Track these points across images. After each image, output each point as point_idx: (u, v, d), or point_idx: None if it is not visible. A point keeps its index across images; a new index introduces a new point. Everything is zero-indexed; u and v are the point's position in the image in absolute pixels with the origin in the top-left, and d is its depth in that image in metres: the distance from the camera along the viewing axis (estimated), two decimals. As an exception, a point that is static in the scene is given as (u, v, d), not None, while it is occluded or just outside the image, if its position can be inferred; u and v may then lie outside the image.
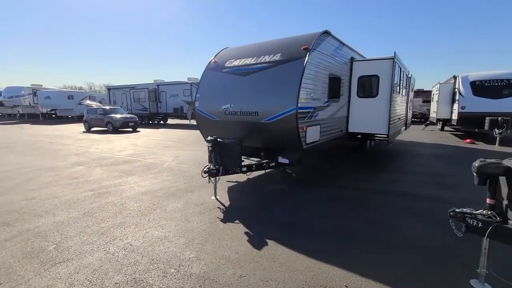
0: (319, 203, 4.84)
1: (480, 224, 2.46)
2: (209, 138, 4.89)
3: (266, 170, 5.71)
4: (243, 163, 5.31)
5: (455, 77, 13.96)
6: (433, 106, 17.73)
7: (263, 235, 3.67)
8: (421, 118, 22.90)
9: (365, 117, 7.24)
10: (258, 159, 6.31)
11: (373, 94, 7.11)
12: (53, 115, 31.11)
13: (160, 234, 3.71)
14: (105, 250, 3.31)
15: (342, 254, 3.21)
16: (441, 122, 16.79)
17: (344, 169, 7.37)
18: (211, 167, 4.95)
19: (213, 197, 5.12)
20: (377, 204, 4.78)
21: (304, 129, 5.01)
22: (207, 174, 4.85)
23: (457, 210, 2.64)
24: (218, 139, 4.96)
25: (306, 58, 4.89)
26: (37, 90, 29.28)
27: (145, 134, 16.03)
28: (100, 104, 23.92)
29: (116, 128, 17.27)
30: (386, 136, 7.19)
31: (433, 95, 18.24)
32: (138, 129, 18.49)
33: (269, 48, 5.66)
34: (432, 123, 19.00)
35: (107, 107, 19.04)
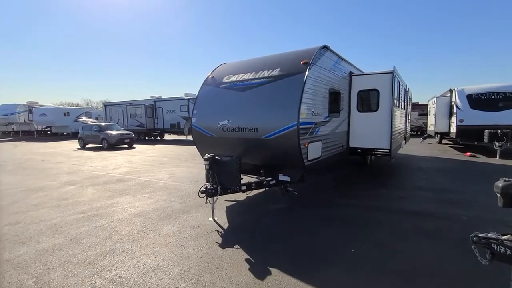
0: (322, 224, 4.56)
1: (508, 252, 2.21)
2: (206, 156, 4.66)
3: (266, 188, 5.44)
4: (242, 181, 5.05)
5: (451, 91, 14.07)
6: (431, 120, 17.78)
7: (265, 263, 3.37)
8: (418, 131, 22.98)
9: (366, 132, 7.08)
10: (258, 177, 6.06)
11: (374, 108, 6.99)
12: (48, 132, 30.79)
13: (152, 263, 3.38)
14: (90, 284, 2.98)
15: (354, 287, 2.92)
16: (439, 135, 16.78)
17: (346, 185, 7.13)
18: (209, 186, 4.69)
19: (210, 219, 4.82)
20: (382, 224, 4.51)
21: (306, 145, 4.81)
22: (204, 194, 4.58)
23: (480, 235, 2.39)
24: (216, 157, 4.73)
25: (306, 73, 4.77)
26: (32, 107, 29.11)
27: (141, 151, 15.73)
28: (95, 121, 23.69)
29: (112, 144, 16.99)
30: (388, 150, 7.01)
31: (430, 108, 18.36)
32: (134, 146, 18.20)
33: (268, 63, 5.57)
34: (430, 136, 19.00)
35: (103, 124, 18.82)
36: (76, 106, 52.70)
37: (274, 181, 5.35)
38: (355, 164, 9.81)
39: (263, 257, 3.51)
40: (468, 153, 12.24)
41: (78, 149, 17.40)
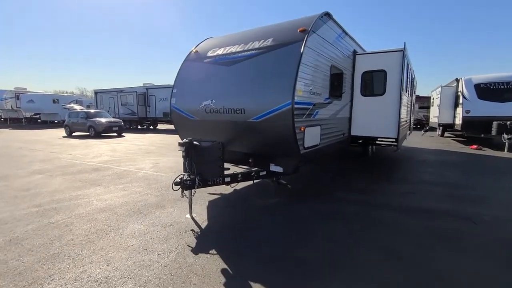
0: (319, 223, 3.83)
1: None
2: (181, 141, 3.88)
3: (255, 181, 4.68)
4: (227, 172, 4.28)
5: (457, 80, 13.27)
6: (434, 111, 17.04)
7: (247, 275, 2.63)
8: (418, 124, 22.29)
9: (371, 119, 6.31)
10: (247, 167, 5.30)
11: (379, 92, 6.20)
12: (39, 120, 29.62)
13: (100, 275, 2.63)
14: (7, 305, 2.23)
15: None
16: (441, 128, 16.07)
17: (345, 177, 6.39)
18: (185, 177, 3.92)
19: (187, 216, 4.07)
20: (388, 225, 3.79)
21: (302, 129, 4.03)
22: (179, 187, 3.81)
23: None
24: (194, 142, 3.95)
25: (304, 42, 3.95)
26: (20, 93, 27.90)
27: (129, 139, 14.88)
28: (82, 108, 22.69)
29: (99, 132, 16.09)
30: (395, 140, 6.26)
31: (433, 99, 17.58)
32: (123, 134, 17.30)
33: (260, 33, 4.72)
34: (432, 129, 18.31)
35: (90, 111, 17.88)
36: (70, 94, 51.30)
37: (264, 172, 4.58)
38: (354, 155, 9.08)
39: (245, 266, 2.78)
40: (474, 146, 11.55)
41: (64, 137, 16.47)
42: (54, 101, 27.25)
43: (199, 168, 3.93)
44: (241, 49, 4.60)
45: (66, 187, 5.58)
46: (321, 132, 4.78)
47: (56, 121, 28.22)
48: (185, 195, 3.90)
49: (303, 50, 3.88)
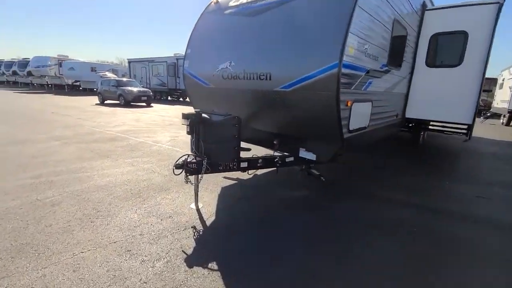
0: (353, 235, 2.81)
1: None
2: (185, 112, 3.00)
3: (279, 167, 3.70)
4: (245, 154, 3.38)
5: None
6: (502, 95, 14.24)
7: (253, 315, 1.78)
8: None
9: (436, 98, 4.87)
10: (271, 151, 4.34)
11: (454, 62, 4.68)
12: (80, 88, 31.03)
13: (56, 287, 1.96)
14: None
15: None
16: (507, 115, 13.41)
17: (391, 171, 5.15)
18: (190, 159, 3.09)
19: (192, 206, 3.30)
20: (453, 243, 2.67)
21: (349, 105, 2.91)
22: (181, 170, 3.00)
23: None
24: (203, 114, 3.05)
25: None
26: (62, 60, 29.14)
27: (156, 110, 14.62)
28: (115, 76, 22.97)
29: (129, 101, 16.07)
30: (467, 127, 4.81)
31: (503, 80, 14.64)
32: (152, 104, 17.16)
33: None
34: (493, 116, 15.56)
35: (120, 79, 17.88)
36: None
37: (291, 159, 3.60)
38: (401, 142, 7.63)
39: (253, 297, 1.93)
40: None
41: (96, 104, 16.77)
42: (92, 69, 28.10)
43: (208, 149, 3.06)
44: (271, -6, 3.43)
45: (74, 157, 5.14)
46: (372, 110, 3.59)
47: (95, 89, 29.31)
48: (190, 181, 3.09)
49: (361, -12, 2.64)
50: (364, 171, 5.07)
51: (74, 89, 31.09)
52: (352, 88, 2.93)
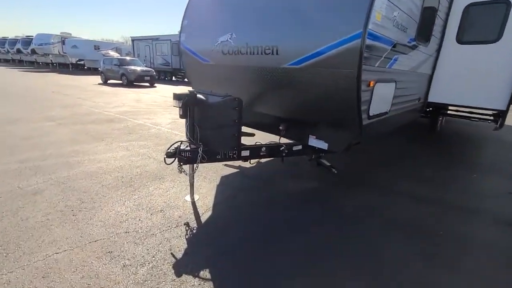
0: (368, 235, 2.44)
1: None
2: (176, 92, 2.58)
3: (285, 156, 3.29)
4: (247, 141, 2.98)
5: None
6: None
7: None
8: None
9: (465, 79, 4.30)
10: (277, 138, 3.91)
11: (491, 37, 4.05)
12: (85, 67, 30.50)
13: (20, 299, 1.67)
14: None
15: None
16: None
17: (411, 161, 4.69)
18: (183, 146, 2.70)
19: (187, 198, 2.97)
20: (483, 249, 2.27)
21: (371, 85, 2.43)
22: (173, 159, 2.63)
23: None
24: (198, 95, 2.62)
25: None
26: (65, 38, 28.48)
27: (159, 90, 14.16)
28: (118, 54, 22.35)
29: (131, 81, 15.58)
30: (500, 113, 4.27)
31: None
32: (155, 84, 16.68)
33: None
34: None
35: (123, 58, 17.32)
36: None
37: (299, 147, 3.18)
38: (417, 129, 7.08)
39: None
40: None
41: (99, 84, 16.37)
42: (95, 48, 27.45)
43: (204, 135, 2.66)
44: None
45: (67, 139, 4.83)
46: (395, 93, 3.10)
47: (99, 68, 28.75)
48: (184, 171, 2.73)
49: None
50: (379, 160, 4.63)
51: (78, 68, 30.60)
52: (376, 65, 2.43)
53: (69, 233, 2.29)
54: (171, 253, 2.10)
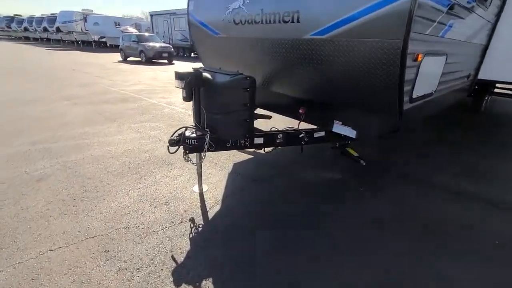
0: (408, 240, 2.04)
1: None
2: (178, 71, 2.22)
3: (304, 144, 2.88)
4: (262, 124, 2.62)
5: None
6: None
7: None
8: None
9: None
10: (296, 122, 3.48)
11: None
12: (108, 44, 30.63)
13: (3, 306, 1.52)
14: None
15: None
16: None
17: (453, 149, 4.07)
18: (188, 133, 2.39)
19: (195, 188, 2.71)
20: None
21: (419, 59, 1.91)
22: (176, 147, 2.34)
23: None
24: (204, 74, 2.25)
25: None
26: (87, 15, 28.57)
27: (177, 68, 13.87)
28: (137, 31, 22.05)
29: (150, 58, 15.38)
30: None
31: None
32: (173, 62, 16.38)
33: None
34: None
35: (143, 34, 17.02)
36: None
37: (322, 133, 2.75)
38: (456, 109, 6.25)
39: None
40: None
41: (119, 61, 16.36)
42: (116, 24, 27.34)
43: (212, 120, 2.32)
44: None
45: (80, 120, 4.73)
46: (443, 69, 2.51)
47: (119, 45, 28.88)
48: (190, 160, 2.44)
49: None
50: (412, 147, 4.08)
51: (101, 46, 30.86)
52: (427, 32, 1.89)
53: (67, 227, 2.12)
54: (172, 256, 1.87)
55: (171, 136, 2.35)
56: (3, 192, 2.55)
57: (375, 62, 1.88)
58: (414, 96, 2.12)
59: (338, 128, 2.57)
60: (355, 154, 2.84)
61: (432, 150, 3.91)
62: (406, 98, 2.01)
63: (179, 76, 2.18)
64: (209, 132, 2.33)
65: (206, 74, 2.27)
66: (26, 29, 37.50)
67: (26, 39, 38.71)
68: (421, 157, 3.67)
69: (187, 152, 2.39)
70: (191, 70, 2.24)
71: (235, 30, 2.81)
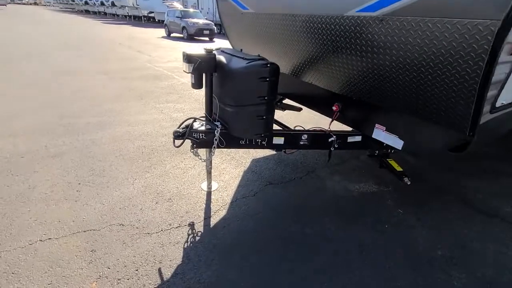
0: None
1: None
2: (188, 52, 1.85)
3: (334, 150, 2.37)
4: (285, 119, 2.20)
5: None
6: None
7: None
8: None
9: None
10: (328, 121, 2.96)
11: None
12: (156, 20, 31.46)
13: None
14: None
15: None
16: None
17: (497, 168, 3.19)
18: (197, 124, 2.08)
19: (203, 185, 2.43)
20: None
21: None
22: (181, 141, 2.04)
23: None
24: (219, 56, 1.87)
25: None
26: (138, -11, 29.38)
27: (217, 45, 13.58)
28: (181, 6, 22.05)
29: (191, 35, 15.32)
30: None
31: None
32: (214, 40, 16.14)
33: None
34: None
35: (185, 9, 16.95)
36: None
37: (358, 138, 2.24)
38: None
39: None
40: None
41: (163, 37, 16.62)
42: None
43: (224, 112, 1.97)
44: None
45: (109, 96, 4.74)
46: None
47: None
48: (199, 156, 2.15)
49: None
50: (470, 163, 3.29)
51: (150, 21, 31.84)
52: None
53: (63, 214, 2.01)
54: (159, 270, 1.63)
55: (178, 127, 2.05)
56: (19, 167, 2.55)
57: (447, 53, 1.31)
58: (498, 104, 1.50)
59: (380, 134, 2.04)
60: (399, 169, 2.27)
61: (498, 168, 3.10)
62: (487, 107, 1.41)
63: (187, 58, 1.83)
64: (219, 126, 1.99)
65: (221, 57, 1.89)
66: (86, 3, 40.13)
67: (87, 12, 41.55)
68: (484, 175, 2.92)
69: (195, 146, 2.09)
70: (202, 51, 1.87)
71: (266, 5, 2.33)
